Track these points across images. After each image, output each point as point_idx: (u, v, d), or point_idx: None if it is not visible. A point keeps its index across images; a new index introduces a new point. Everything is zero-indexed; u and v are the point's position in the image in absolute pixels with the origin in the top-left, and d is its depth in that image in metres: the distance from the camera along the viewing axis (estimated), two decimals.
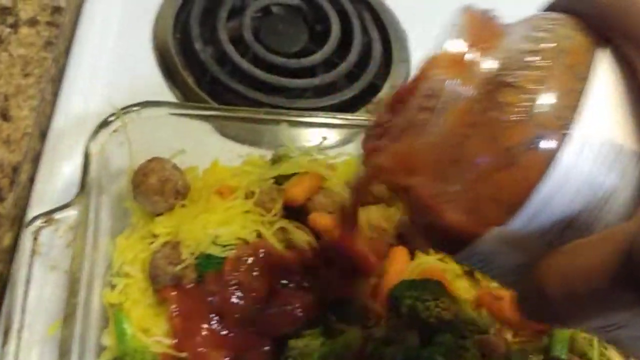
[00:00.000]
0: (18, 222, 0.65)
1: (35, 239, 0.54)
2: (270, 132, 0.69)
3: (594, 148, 0.29)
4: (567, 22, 0.32)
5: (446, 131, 0.31)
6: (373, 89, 0.87)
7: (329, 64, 0.86)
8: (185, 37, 0.83)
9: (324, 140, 0.70)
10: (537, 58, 0.30)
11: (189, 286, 0.56)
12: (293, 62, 0.84)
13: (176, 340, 0.55)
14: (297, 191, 0.64)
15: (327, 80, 0.84)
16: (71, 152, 0.70)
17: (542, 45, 0.30)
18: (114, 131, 0.61)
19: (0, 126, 0.66)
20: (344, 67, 0.85)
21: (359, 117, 0.76)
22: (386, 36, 0.92)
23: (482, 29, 0.32)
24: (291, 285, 0.59)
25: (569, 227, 0.30)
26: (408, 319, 0.60)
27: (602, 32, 0.31)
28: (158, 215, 0.62)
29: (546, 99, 0.29)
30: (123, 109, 0.61)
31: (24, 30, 0.74)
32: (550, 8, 0.34)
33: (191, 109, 0.66)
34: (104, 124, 0.60)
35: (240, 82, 0.80)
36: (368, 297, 0.62)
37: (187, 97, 0.79)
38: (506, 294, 0.66)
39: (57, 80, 0.75)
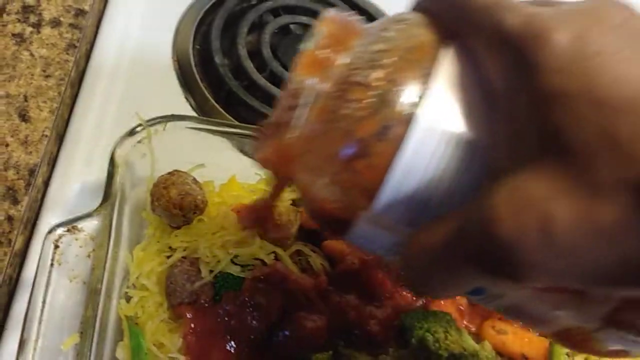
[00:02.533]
0: (30, 226, 0.65)
1: (56, 247, 0.53)
2: None
3: (435, 136, 0.31)
4: (418, 21, 0.34)
5: (309, 127, 0.33)
6: None
7: None
8: (205, 49, 0.83)
9: None
10: (385, 56, 0.32)
11: (206, 304, 0.56)
12: None
13: (189, 359, 0.54)
14: None
15: None
16: (87, 158, 0.70)
17: (391, 44, 0.33)
18: (138, 142, 0.61)
19: (18, 127, 0.66)
20: None
21: None
22: None
23: (340, 31, 0.34)
24: (304, 308, 0.59)
25: (426, 207, 0.33)
26: (417, 350, 0.60)
27: (450, 26, 0.33)
28: (174, 228, 0.62)
29: (391, 94, 0.31)
30: (149, 120, 0.61)
31: (47, 31, 0.73)
32: (414, 9, 0.36)
33: (214, 125, 0.66)
34: (130, 133, 0.60)
35: (256, 97, 0.81)
36: (378, 324, 0.62)
37: (202, 109, 0.79)
38: (509, 329, 0.68)
39: (75, 84, 0.75)
